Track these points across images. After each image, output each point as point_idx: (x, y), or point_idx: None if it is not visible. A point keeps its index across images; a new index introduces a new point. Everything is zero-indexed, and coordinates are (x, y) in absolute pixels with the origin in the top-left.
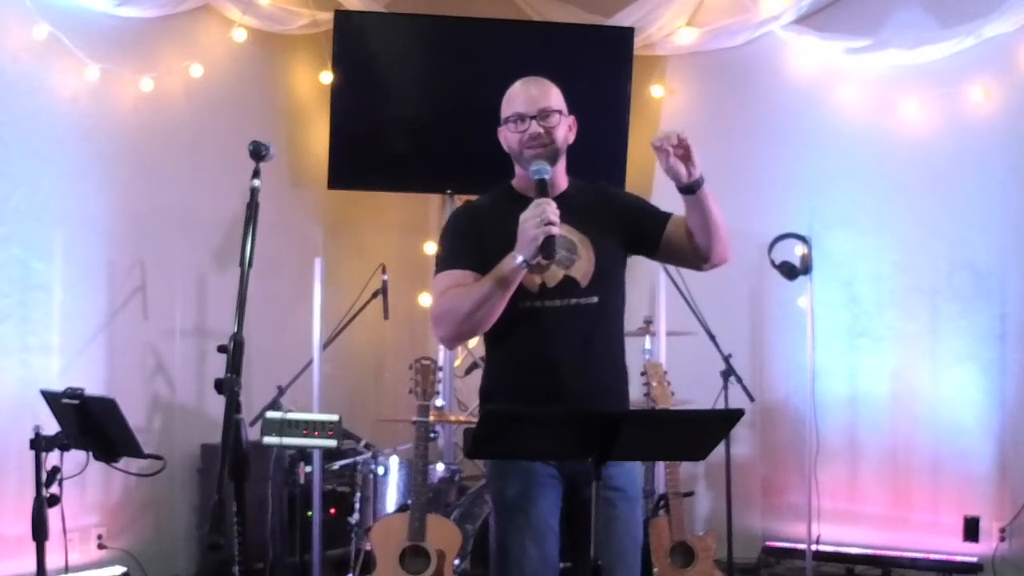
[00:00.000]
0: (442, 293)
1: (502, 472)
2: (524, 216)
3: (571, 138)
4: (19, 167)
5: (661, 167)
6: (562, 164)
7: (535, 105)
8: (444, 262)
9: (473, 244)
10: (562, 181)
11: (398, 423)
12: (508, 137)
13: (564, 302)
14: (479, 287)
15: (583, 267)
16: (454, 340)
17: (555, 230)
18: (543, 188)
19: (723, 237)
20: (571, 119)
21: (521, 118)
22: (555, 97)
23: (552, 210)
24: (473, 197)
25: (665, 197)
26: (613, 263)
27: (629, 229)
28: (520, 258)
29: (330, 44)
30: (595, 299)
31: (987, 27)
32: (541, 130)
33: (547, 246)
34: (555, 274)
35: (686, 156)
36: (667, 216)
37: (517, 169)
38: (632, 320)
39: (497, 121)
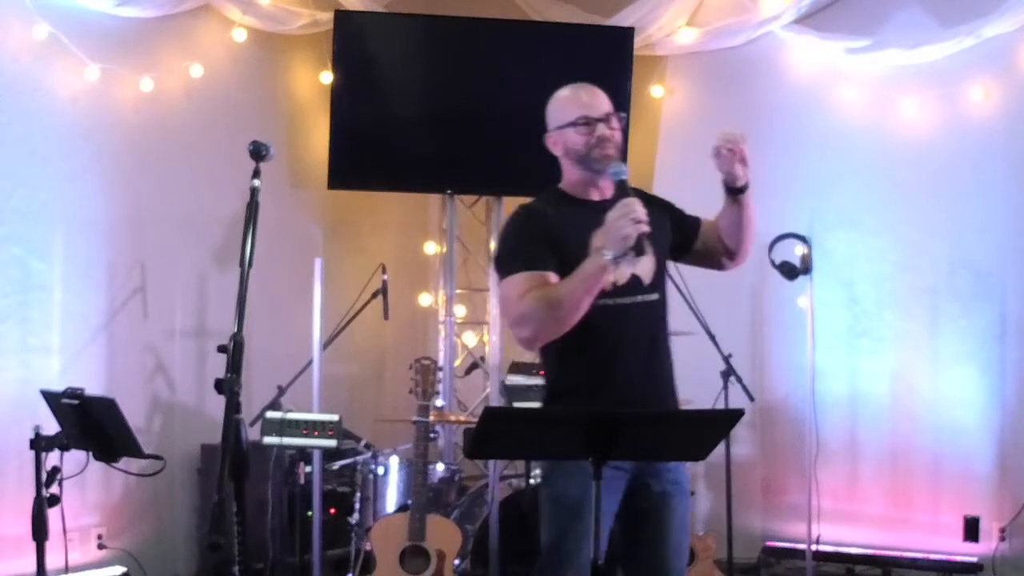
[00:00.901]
0: (523, 295)
1: (564, 471)
2: (613, 215)
3: None
4: (19, 167)
5: (719, 167)
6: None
7: (599, 109)
8: (518, 264)
9: (546, 246)
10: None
11: (398, 423)
12: (571, 139)
13: (632, 299)
14: (566, 286)
15: (646, 265)
16: (538, 341)
17: (647, 228)
18: (623, 188)
19: (753, 236)
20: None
21: (589, 121)
22: (610, 101)
23: (641, 209)
24: (471, 197)
25: (665, 197)
26: (665, 262)
27: (674, 231)
28: (610, 255)
29: (330, 44)
30: (655, 296)
31: (987, 27)
32: (609, 132)
33: (639, 243)
34: (624, 272)
35: (742, 159)
36: (699, 220)
37: (569, 172)
38: None
39: (498, 121)
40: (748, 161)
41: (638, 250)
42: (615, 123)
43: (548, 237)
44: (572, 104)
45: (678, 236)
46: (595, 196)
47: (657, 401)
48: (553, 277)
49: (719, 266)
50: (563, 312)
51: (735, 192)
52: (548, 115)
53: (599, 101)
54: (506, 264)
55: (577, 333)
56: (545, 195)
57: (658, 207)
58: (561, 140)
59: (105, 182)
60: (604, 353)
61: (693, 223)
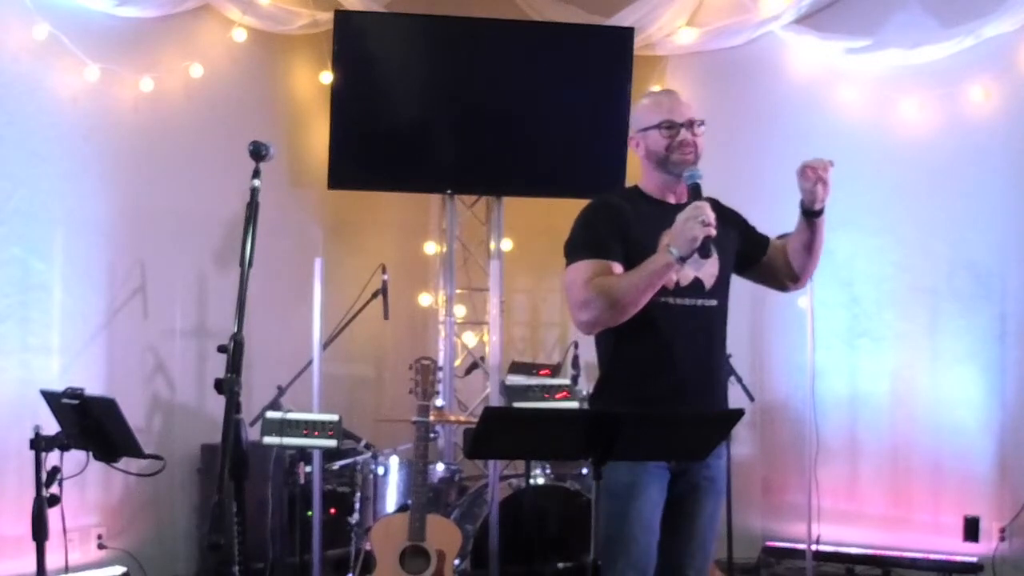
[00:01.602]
0: (589, 280)
1: (616, 463)
2: (683, 216)
3: None
4: (19, 167)
5: (801, 186)
6: None
7: (684, 115)
8: (587, 250)
9: (616, 237)
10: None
11: (398, 423)
12: (654, 141)
13: (692, 302)
14: (631, 276)
15: (710, 271)
16: (597, 326)
17: (714, 231)
18: (697, 192)
19: (819, 260)
20: None
21: (672, 125)
22: (694, 109)
23: (710, 213)
24: (471, 197)
25: None
26: (730, 270)
27: (741, 244)
28: (677, 253)
29: (330, 44)
30: (715, 302)
31: (987, 27)
32: (690, 138)
33: (704, 246)
34: (687, 274)
35: (824, 183)
36: (768, 238)
37: (649, 174)
38: None
39: (498, 121)
40: (829, 187)
41: (704, 252)
42: (697, 129)
43: (619, 229)
44: (656, 108)
45: (746, 249)
46: (671, 199)
47: (708, 401)
48: (618, 267)
49: (782, 286)
50: (623, 302)
51: (811, 215)
52: (632, 118)
53: (683, 107)
54: (575, 250)
55: (635, 325)
56: (624, 190)
57: (729, 218)
58: (643, 142)
59: (105, 182)
60: (659, 348)
61: (763, 239)
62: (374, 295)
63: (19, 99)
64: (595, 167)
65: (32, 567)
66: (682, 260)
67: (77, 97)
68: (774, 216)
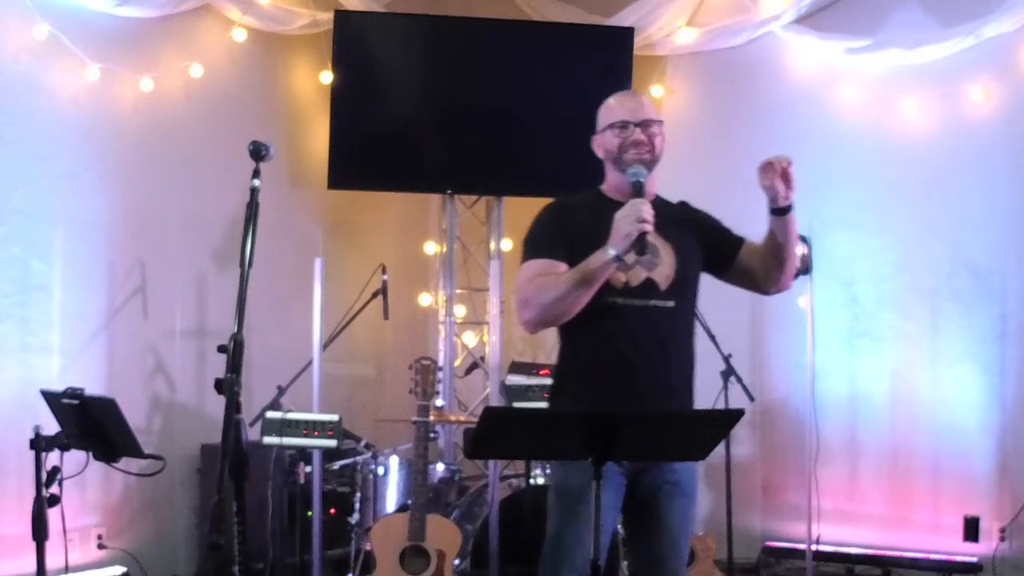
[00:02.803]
0: (531, 279)
1: (567, 463)
2: (620, 214)
3: (663, 148)
4: (19, 167)
5: (761, 183)
6: (654, 174)
7: (639, 114)
8: (534, 250)
9: (563, 237)
10: (652, 190)
11: (398, 423)
12: (608, 141)
13: (643, 303)
14: (568, 276)
15: (664, 272)
16: (538, 325)
17: (649, 227)
18: (639, 190)
19: (795, 262)
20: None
21: (625, 125)
22: (655, 109)
23: (647, 209)
24: (471, 197)
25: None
26: (692, 273)
27: (707, 244)
28: (612, 252)
29: (330, 44)
30: (671, 303)
31: (987, 27)
32: (644, 138)
33: (640, 242)
34: (638, 274)
35: (786, 178)
36: (742, 239)
37: (608, 174)
38: None
39: (498, 121)
40: (793, 183)
41: (640, 249)
42: (655, 129)
43: (567, 230)
44: (613, 109)
45: (716, 250)
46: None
47: (663, 404)
48: (562, 267)
49: (761, 289)
50: (560, 300)
51: (777, 212)
52: (597, 121)
53: (640, 107)
54: (524, 251)
55: (585, 326)
56: (584, 193)
57: (695, 219)
58: (602, 143)
59: (105, 182)
60: (608, 348)
61: (734, 240)
62: (374, 295)
63: (19, 99)
64: (595, 167)
65: (32, 567)
66: (619, 259)
67: (77, 97)
68: None
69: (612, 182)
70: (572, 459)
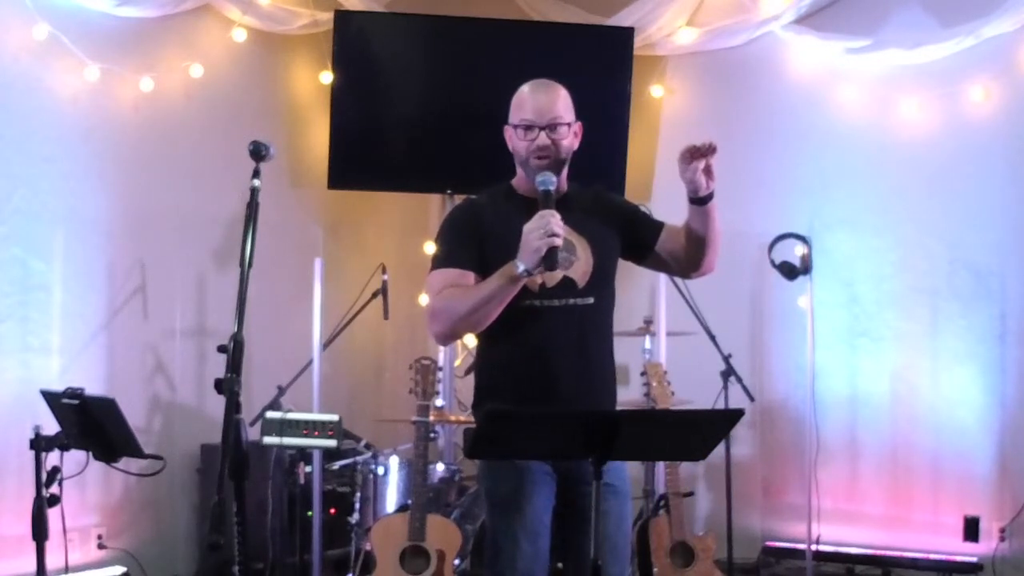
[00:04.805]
0: (439, 291)
1: (495, 469)
2: (528, 227)
3: (576, 144)
4: (19, 167)
5: (681, 174)
6: (565, 168)
7: (545, 116)
8: (441, 259)
9: (471, 243)
10: (563, 184)
11: (398, 423)
12: (514, 142)
13: (562, 302)
14: (479, 290)
15: (581, 268)
16: (448, 338)
17: (558, 242)
18: (547, 199)
19: (718, 248)
20: (577, 125)
21: (530, 127)
22: (564, 106)
23: (556, 222)
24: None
25: (665, 197)
26: (609, 265)
27: (625, 233)
28: (522, 267)
29: (330, 44)
30: (591, 300)
31: (987, 27)
32: (549, 142)
33: (550, 257)
34: (555, 275)
35: (707, 170)
36: (661, 224)
37: (519, 170)
38: (632, 320)
39: (498, 121)
40: (713, 173)
41: (549, 264)
42: (562, 132)
43: (477, 233)
44: (518, 105)
45: (634, 237)
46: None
47: (589, 402)
48: (471, 277)
49: (682, 274)
50: (470, 316)
51: (697, 202)
52: (510, 108)
53: (549, 106)
54: (434, 257)
55: (503, 330)
56: (494, 188)
57: (610, 207)
58: (510, 139)
59: (105, 182)
60: (528, 351)
61: (653, 226)
62: (374, 295)
63: (19, 99)
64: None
65: (32, 567)
66: (528, 273)
67: (77, 97)
68: (773, 215)
69: (522, 179)
70: (572, 459)
